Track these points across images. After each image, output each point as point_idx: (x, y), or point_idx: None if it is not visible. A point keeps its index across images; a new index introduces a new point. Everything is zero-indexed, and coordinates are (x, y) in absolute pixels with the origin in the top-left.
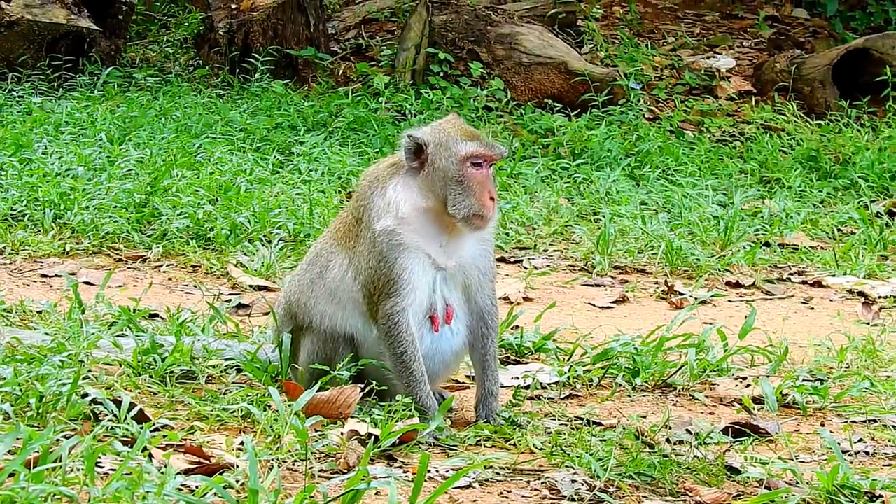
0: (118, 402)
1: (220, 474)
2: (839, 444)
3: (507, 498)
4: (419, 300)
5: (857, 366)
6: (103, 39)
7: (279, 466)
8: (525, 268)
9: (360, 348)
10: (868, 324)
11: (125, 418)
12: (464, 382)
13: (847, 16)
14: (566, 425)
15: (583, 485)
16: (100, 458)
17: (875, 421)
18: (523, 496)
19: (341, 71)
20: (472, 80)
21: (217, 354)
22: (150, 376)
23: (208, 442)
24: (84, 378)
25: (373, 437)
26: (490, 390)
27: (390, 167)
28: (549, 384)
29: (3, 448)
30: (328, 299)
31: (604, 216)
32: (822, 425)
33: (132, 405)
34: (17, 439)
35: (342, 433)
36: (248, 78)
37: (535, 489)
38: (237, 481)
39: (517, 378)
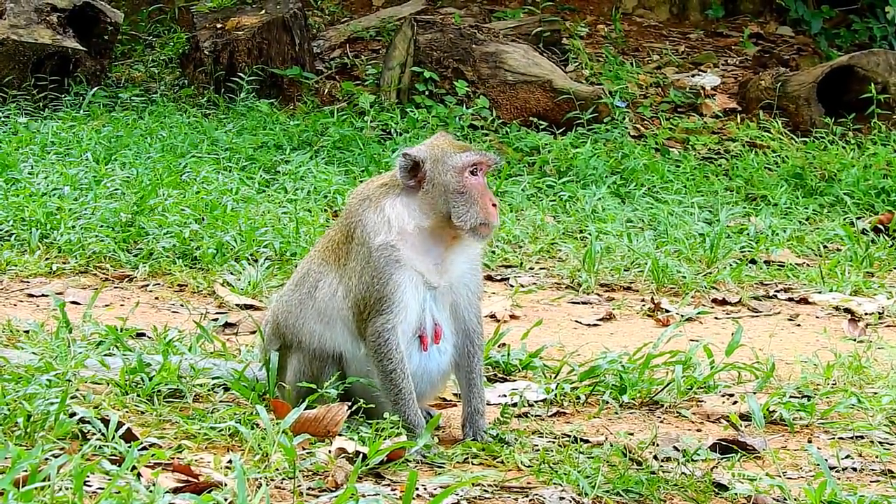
0: (106, 421)
1: (209, 492)
2: (826, 460)
3: None
4: (409, 319)
5: (843, 382)
6: (89, 59)
7: (267, 485)
8: (511, 286)
9: (347, 366)
10: (854, 340)
11: (113, 437)
12: (450, 400)
13: (831, 33)
14: (554, 442)
15: (570, 501)
16: (88, 476)
17: (862, 437)
18: None
19: (326, 90)
20: (457, 98)
21: (204, 373)
22: (138, 395)
23: (196, 460)
24: (72, 397)
25: (360, 455)
26: (476, 408)
27: (382, 187)
28: (536, 401)
29: None
30: (317, 318)
31: (590, 234)
32: (810, 441)
33: (120, 424)
34: (6, 458)
35: (330, 451)
36: (234, 97)
37: None
38: (226, 499)
39: (504, 395)
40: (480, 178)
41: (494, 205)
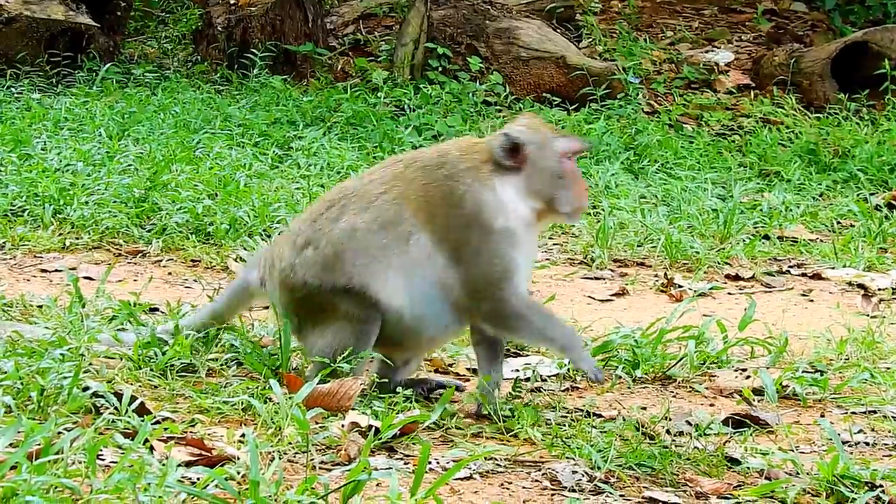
0: (119, 395)
1: (222, 466)
2: (839, 434)
3: (507, 489)
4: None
5: (856, 357)
6: (101, 36)
7: (280, 458)
8: None
9: (393, 328)
10: (868, 315)
11: (126, 411)
12: (463, 375)
13: (846, 9)
14: (566, 417)
15: (583, 476)
16: (101, 450)
17: (875, 412)
18: (524, 487)
19: (340, 66)
20: (470, 74)
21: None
22: (151, 370)
23: (209, 434)
24: (85, 371)
25: (373, 429)
26: (497, 381)
27: (485, 162)
28: (549, 376)
29: (5, 441)
30: (400, 272)
31: (603, 209)
32: (822, 416)
33: (133, 398)
34: (19, 432)
35: (343, 425)
36: (247, 73)
37: (536, 480)
38: (238, 473)
39: (517, 370)
40: (574, 163)
41: (586, 189)
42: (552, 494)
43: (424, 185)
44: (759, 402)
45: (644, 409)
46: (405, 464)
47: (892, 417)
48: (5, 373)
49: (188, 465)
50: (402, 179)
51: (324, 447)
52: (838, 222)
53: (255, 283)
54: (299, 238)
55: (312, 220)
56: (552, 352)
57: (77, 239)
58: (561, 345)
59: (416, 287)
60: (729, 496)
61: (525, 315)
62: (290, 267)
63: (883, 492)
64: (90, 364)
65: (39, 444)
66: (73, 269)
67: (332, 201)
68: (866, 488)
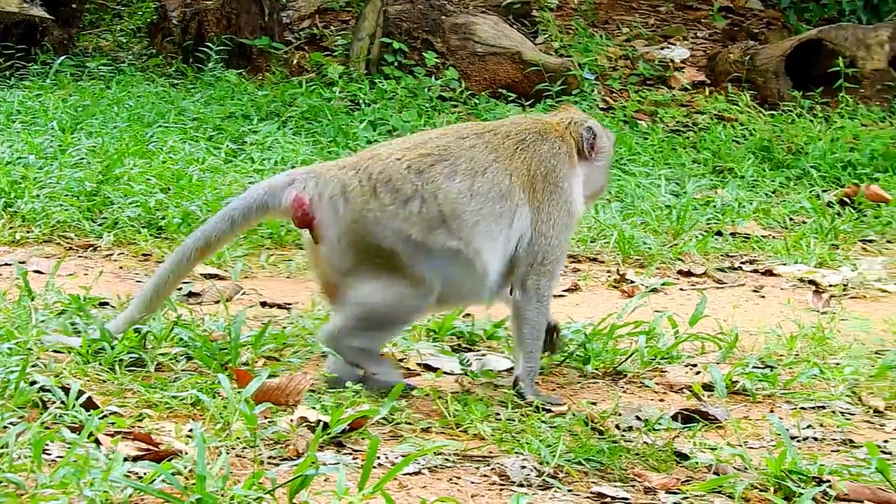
0: (67, 390)
1: (169, 461)
2: (788, 430)
3: (456, 484)
4: None
5: (806, 353)
6: (56, 28)
7: (228, 453)
8: None
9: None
10: (818, 312)
11: (73, 406)
12: (414, 370)
13: (801, 7)
14: (517, 411)
15: (532, 470)
16: (47, 444)
17: (824, 407)
18: (472, 482)
19: (295, 60)
20: (426, 69)
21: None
22: (100, 364)
23: (157, 429)
24: (32, 366)
25: (322, 424)
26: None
27: (570, 148)
28: (500, 371)
29: None
30: (501, 243)
31: None
32: (772, 411)
33: (80, 392)
34: None
35: (292, 420)
36: (202, 67)
37: (485, 475)
38: (185, 468)
39: (469, 363)
40: None
41: None
42: (500, 489)
43: (527, 161)
44: (708, 397)
45: (594, 404)
46: (353, 459)
47: (841, 413)
48: None
49: (135, 459)
50: (504, 151)
51: (272, 442)
52: (791, 219)
53: (285, 202)
54: (402, 185)
55: (418, 172)
56: (519, 344)
57: (28, 232)
58: (531, 350)
59: (504, 256)
60: (677, 491)
61: (545, 300)
62: (381, 211)
63: (830, 486)
64: (38, 358)
65: None
66: (23, 262)
67: (434, 156)
68: (814, 483)
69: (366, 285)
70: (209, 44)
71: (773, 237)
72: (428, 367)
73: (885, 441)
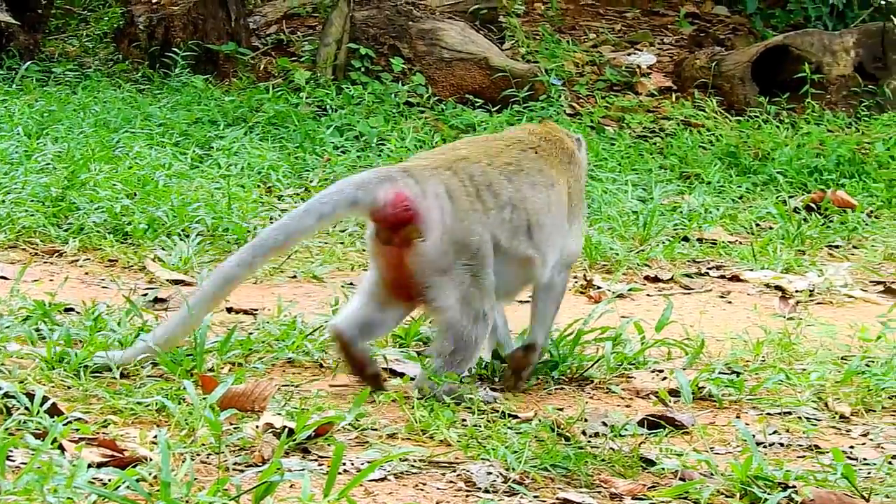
0: (31, 396)
1: (133, 467)
2: (754, 435)
3: (422, 490)
4: None
5: (772, 359)
6: (22, 33)
7: (193, 459)
8: None
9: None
10: (784, 317)
11: (38, 412)
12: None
13: (767, 13)
14: (483, 417)
15: (498, 477)
16: (11, 451)
17: (790, 413)
18: (438, 488)
19: (262, 66)
20: (393, 75)
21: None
22: (65, 370)
23: (122, 435)
24: None
25: (287, 430)
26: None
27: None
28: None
29: None
30: (558, 252)
31: None
32: (738, 417)
33: (45, 398)
34: None
35: (257, 426)
36: (169, 73)
37: (451, 481)
38: (150, 474)
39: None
40: None
41: None
42: (466, 495)
43: (566, 171)
44: (675, 403)
45: (560, 410)
46: (319, 465)
47: (807, 419)
48: None
49: (99, 466)
50: (560, 165)
51: (237, 448)
52: (757, 224)
53: (382, 198)
54: (500, 191)
55: (508, 179)
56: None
57: None
58: (546, 330)
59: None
60: (643, 497)
61: (560, 296)
62: (485, 213)
63: (796, 492)
64: (2, 364)
65: None
66: None
67: (514, 166)
68: (780, 489)
69: (456, 289)
70: (176, 49)
71: (740, 243)
72: (394, 373)
73: (851, 447)
